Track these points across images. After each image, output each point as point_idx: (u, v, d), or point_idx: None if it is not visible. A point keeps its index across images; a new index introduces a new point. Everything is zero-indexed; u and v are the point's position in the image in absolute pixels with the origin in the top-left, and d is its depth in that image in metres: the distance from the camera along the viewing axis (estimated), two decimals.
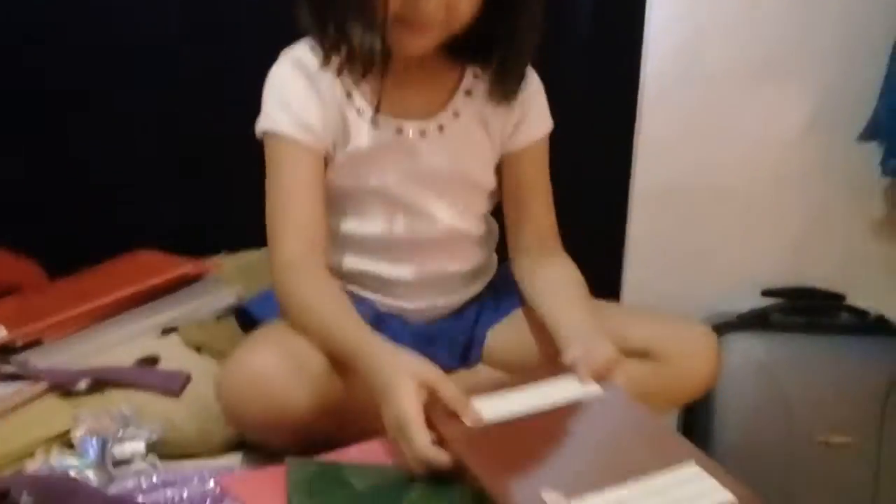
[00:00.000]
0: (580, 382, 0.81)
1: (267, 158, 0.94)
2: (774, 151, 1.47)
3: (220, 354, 0.98)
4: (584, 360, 0.82)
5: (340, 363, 0.84)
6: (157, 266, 1.06)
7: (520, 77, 0.97)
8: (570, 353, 0.83)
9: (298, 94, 0.93)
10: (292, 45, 0.97)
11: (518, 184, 1.03)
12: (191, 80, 1.35)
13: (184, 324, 1.03)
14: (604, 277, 1.49)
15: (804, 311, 1.44)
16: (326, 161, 0.95)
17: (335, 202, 0.98)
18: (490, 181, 1.03)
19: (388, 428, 0.75)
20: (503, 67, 0.96)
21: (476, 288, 1.07)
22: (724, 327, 1.42)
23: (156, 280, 1.02)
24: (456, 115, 0.98)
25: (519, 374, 0.90)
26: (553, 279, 0.98)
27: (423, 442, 0.71)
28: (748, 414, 1.38)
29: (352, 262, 1.01)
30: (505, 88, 0.97)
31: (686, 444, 0.74)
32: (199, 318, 1.05)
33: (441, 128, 0.97)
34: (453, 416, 0.75)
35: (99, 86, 1.33)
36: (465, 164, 1.00)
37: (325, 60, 0.92)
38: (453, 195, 1.00)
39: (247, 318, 1.02)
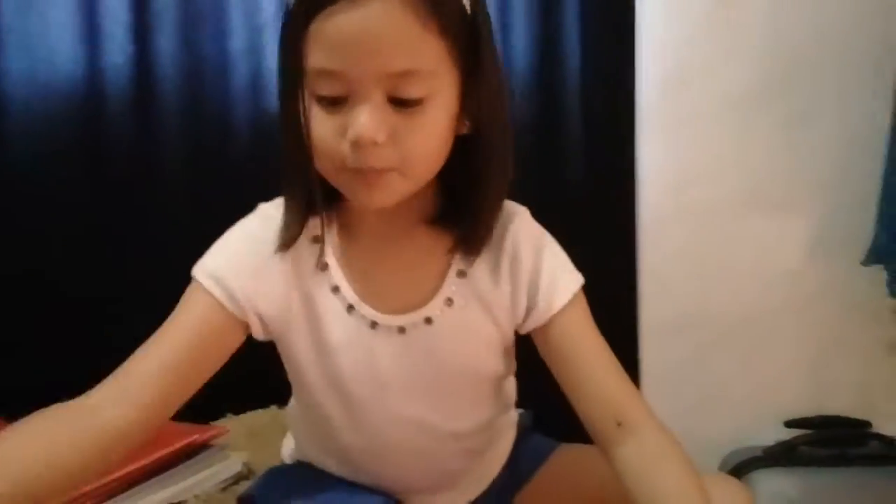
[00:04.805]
0: None
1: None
2: (779, 280, 1.47)
3: None
4: None
5: None
6: (165, 435, 1.02)
7: (488, 227, 0.79)
8: None
9: (239, 253, 0.79)
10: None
11: (564, 359, 0.81)
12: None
13: (190, 497, 1.00)
14: None
15: (831, 441, 1.40)
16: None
17: (315, 400, 0.84)
18: (498, 366, 0.86)
19: None
20: (473, 216, 0.78)
21: (492, 474, 0.94)
22: (751, 463, 1.37)
23: (163, 451, 0.99)
24: (449, 301, 0.81)
25: None
26: (644, 455, 0.75)
27: None
28: None
29: (339, 468, 0.89)
30: (473, 240, 0.79)
31: None
32: (206, 490, 1.01)
33: (429, 320, 0.80)
34: None
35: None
36: (462, 357, 0.83)
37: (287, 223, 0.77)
38: (445, 399, 0.84)
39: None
